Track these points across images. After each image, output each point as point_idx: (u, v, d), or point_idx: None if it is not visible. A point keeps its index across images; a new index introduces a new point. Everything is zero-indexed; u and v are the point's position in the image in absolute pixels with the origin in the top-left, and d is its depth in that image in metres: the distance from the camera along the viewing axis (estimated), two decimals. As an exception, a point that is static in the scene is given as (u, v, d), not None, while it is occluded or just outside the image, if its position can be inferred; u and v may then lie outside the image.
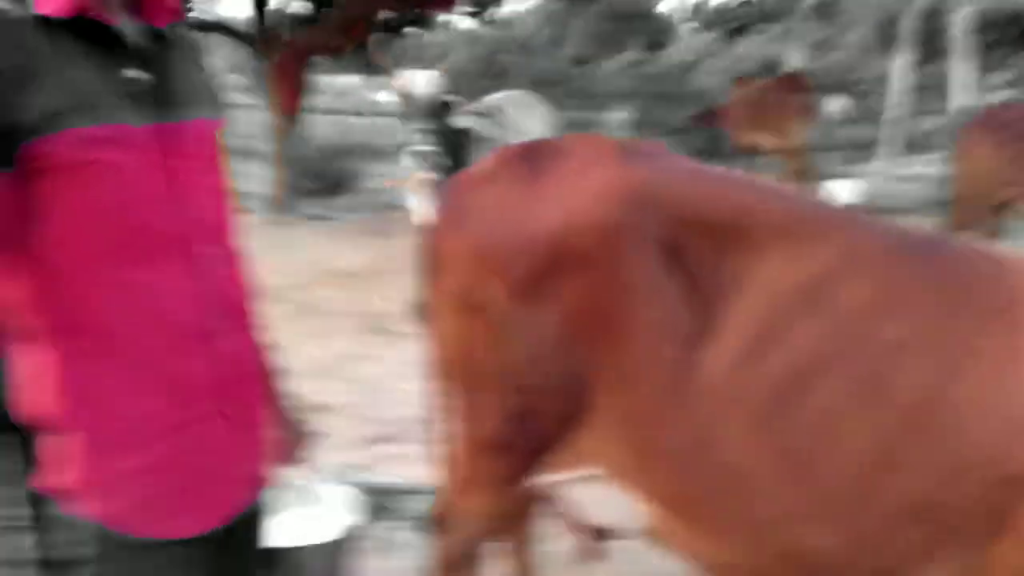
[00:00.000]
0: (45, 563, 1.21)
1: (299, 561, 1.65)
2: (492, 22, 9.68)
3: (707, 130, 9.73)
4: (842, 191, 4.92)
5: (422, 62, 10.26)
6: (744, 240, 1.58)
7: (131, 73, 1.09)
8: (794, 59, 11.16)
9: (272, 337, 1.44)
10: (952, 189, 5.56)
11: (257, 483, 1.36)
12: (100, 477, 1.16)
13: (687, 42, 23.22)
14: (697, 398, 1.56)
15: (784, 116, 8.08)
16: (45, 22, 1.02)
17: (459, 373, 1.88)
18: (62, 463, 1.16)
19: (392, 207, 9.20)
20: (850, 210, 1.85)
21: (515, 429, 1.79)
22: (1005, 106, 6.21)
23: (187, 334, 1.18)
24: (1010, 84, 16.15)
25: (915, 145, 11.32)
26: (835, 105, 11.33)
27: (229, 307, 1.25)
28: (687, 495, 1.64)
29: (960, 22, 13.45)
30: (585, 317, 1.66)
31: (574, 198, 1.66)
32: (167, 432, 1.19)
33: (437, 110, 4.34)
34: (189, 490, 1.23)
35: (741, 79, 10.18)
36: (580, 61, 20.69)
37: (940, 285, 1.52)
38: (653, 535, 1.85)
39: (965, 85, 13.67)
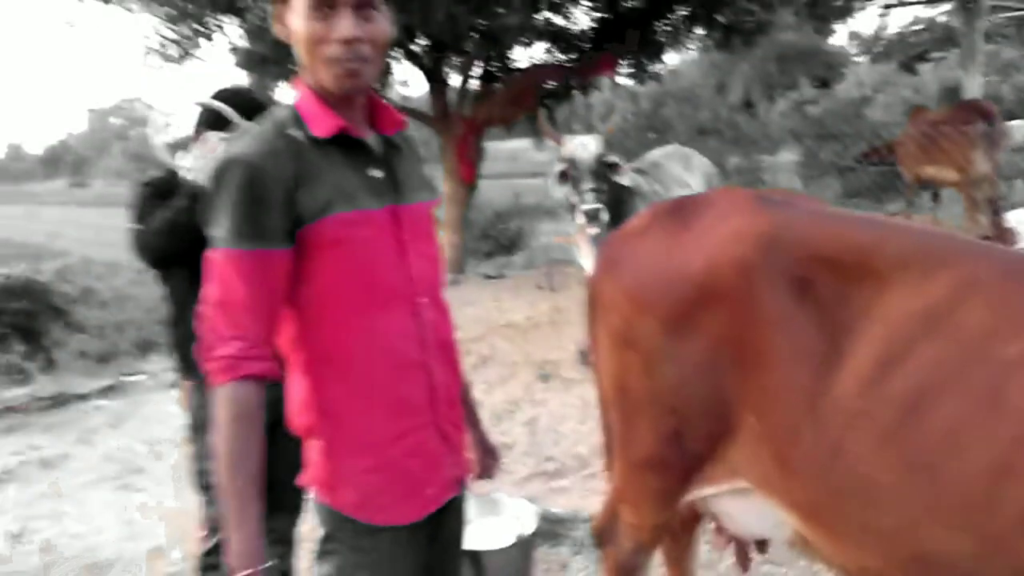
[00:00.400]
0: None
1: (488, 561, 1.98)
2: (655, 77, 9.99)
3: (878, 166, 9.45)
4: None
5: (587, 123, 10.77)
6: (867, 273, 1.78)
7: (373, 172, 1.52)
8: (975, 84, 10.59)
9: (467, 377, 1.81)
10: None
11: (459, 486, 1.72)
12: (336, 474, 1.56)
13: (860, 76, 22.41)
14: (830, 416, 1.76)
15: (962, 146, 7.75)
16: (316, 140, 1.47)
17: (619, 401, 2.18)
18: (312, 463, 1.58)
19: (559, 262, 9.67)
20: (969, 239, 1.97)
21: (669, 447, 2.06)
22: None
23: (409, 364, 1.57)
24: None
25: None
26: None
27: (440, 345, 1.63)
28: (823, 504, 1.83)
29: None
30: (727, 345, 1.91)
31: (714, 242, 1.93)
32: (390, 440, 1.58)
33: (602, 170, 4.70)
34: (405, 487, 1.60)
35: (916, 110, 9.83)
36: (746, 106, 20.52)
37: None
38: (796, 543, 2.03)
39: None
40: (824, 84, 23.01)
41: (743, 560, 2.31)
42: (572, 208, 4.93)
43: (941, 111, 9.15)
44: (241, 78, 9.68)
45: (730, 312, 1.90)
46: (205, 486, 2.64)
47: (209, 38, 8.91)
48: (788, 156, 13.76)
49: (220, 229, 1.41)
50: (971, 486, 1.62)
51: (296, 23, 1.45)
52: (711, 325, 1.93)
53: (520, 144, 15.47)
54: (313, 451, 1.58)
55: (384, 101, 1.62)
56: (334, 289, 1.48)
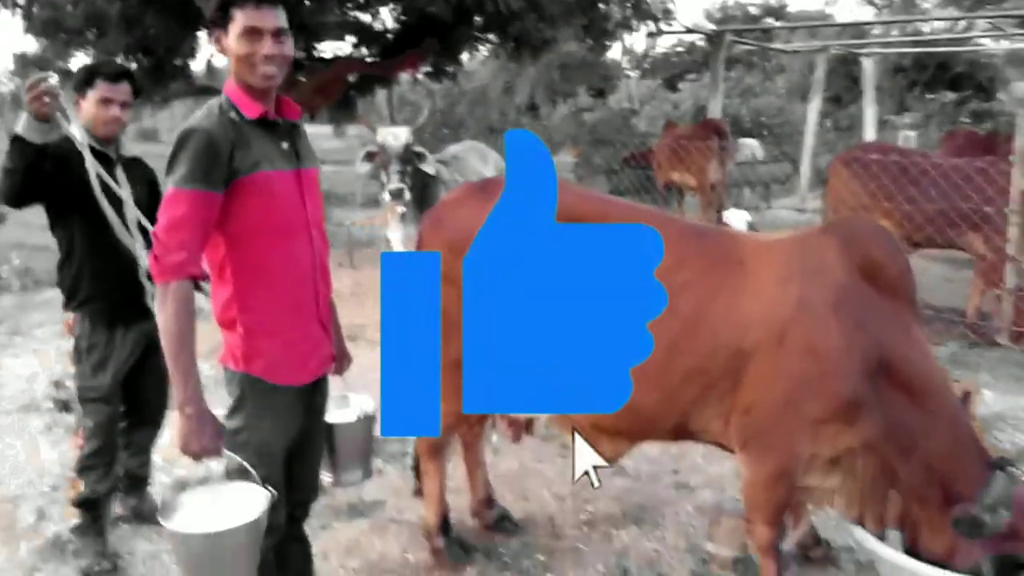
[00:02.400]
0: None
1: (338, 432, 2.73)
2: (451, 76, 10.93)
3: (637, 170, 11.08)
4: (733, 220, 6.19)
5: (388, 115, 11.48)
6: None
7: (284, 144, 2.26)
8: (716, 106, 12.66)
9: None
10: (824, 216, 6.91)
11: (330, 365, 2.49)
12: (251, 350, 2.25)
13: (630, 89, 24.93)
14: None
15: (700, 158, 9.46)
16: (246, 120, 2.19)
17: (441, 323, 3.03)
18: (231, 345, 2.26)
19: (359, 243, 10.35)
20: (662, 211, 3.10)
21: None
22: (864, 146, 7.59)
23: (304, 277, 2.31)
24: (914, 126, 17.99)
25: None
26: (753, 147, 12.83)
27: (322, 265, 2.38)
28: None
29: (869, 68, 15.21)
30: (513, 278, 2.84)
31: (505, 209, 2.86)
32: (290, 328, 2.31)
33: (409, 157, 5.50)
34: (299, 359, 2.34)
35: (668, 124, 11.62)
36: (530, 108, 22.17)
37: (707, 251, 2.74)
38: (552, 417, 3.01)
39: (874, 125, 15.40)
40: (600, 94, 25.33)
41: (516, 434, 3.26)
42: (381, 187, 5.68)
43: (687, 127, 10.94)
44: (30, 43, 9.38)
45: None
46: (85, 400, 3.16)
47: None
48: (566, 158, 15.37)
49: (178, 174, 2.08)
50: (659, 359, 2.66)
51: (233, 44, 2.16)
52: (503, 265, 2.85)
53: (320, 130, 15.83)
54: (234, 336, 2.27)
55: (285, 97, 2.36)
56: (258, 223, 2.19)
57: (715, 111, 12.72)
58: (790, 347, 2.56)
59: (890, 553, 2.65)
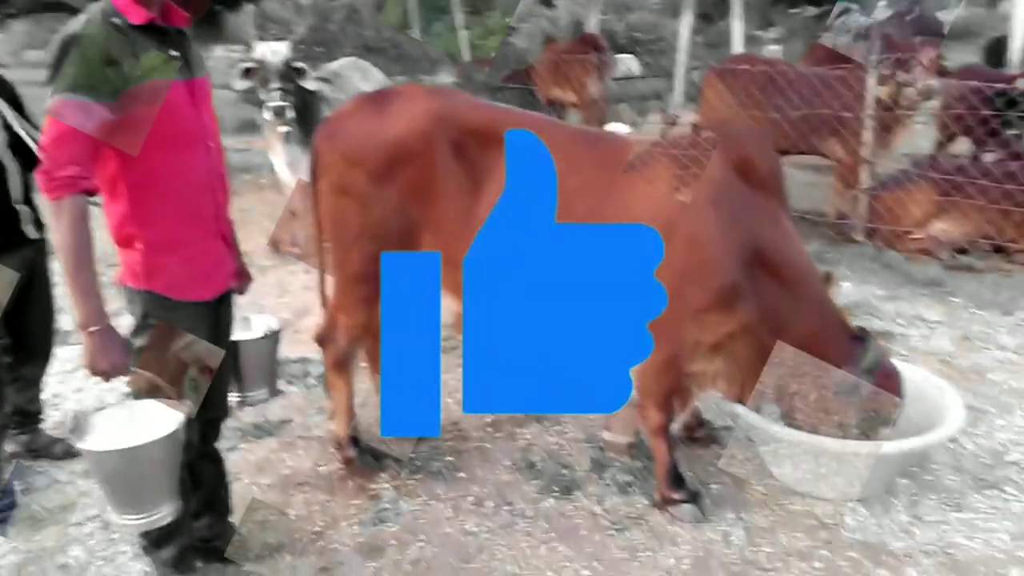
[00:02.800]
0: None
1: (244, 347, 2.73)
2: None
3: (520, 87, 11.07)
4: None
5: (263, 32, 10.89)
6: (495, 139, 2.85)
7: (173, 52, 2.18)
8: (593, 22, 12.72)
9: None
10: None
11: (234, 278, 2.47)
12: (153, 267, 2.21)
13: (507, 6, 24.56)
14: (476, 228, 2.82)
15: (579, 73, 9.55)
16: (132, 26, 2.09)
17: (337, 234, 3.05)
18: (130, 262, 2.21)
19: (238, 169, 9.97)
20: (555, 120, 3.19)
21: (374, 264, 2.98)
22: (735, 58, 7.90)
23: (203, 188, 2.27)
24: (779, 40, 18.71)
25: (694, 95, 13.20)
26: (629, 63, 13.02)
27: (219, 176, 2.34)
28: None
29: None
30: (414, 189, 2.88)
31: (404, 119, 2.87)
32: (191, 242, 2.27)
33: (289, 74, 5.32)
34: (202, 274, 2.31)
35: (548, 41, 11.61)
36: (402, 28, 21.52)
37: (598, 155, 2.87)
38: (456, 325, 3.11)
39: (742, 41, 15.90)
40: (476, 12, 24.80)
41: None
42: (261, 106, 5.48)
43: (566, 43, 10.97)
44: None
45: (416, 167, 2.86)
46: None
47: None
48: (446, 77, 15.13)
49: (63, 84, 1.98)
50: (553, 260, 2.79)
51: None
52: (403, 176, 2.88)
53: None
54: (133, 254, 2.22)
55: (171, 3, 2.26)
56: (152, 134, 2.12)
57: (592, 26, 12.80)
58: (675, 241, 2.74)
59: (763, 422, 2.95)
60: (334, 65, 6.57)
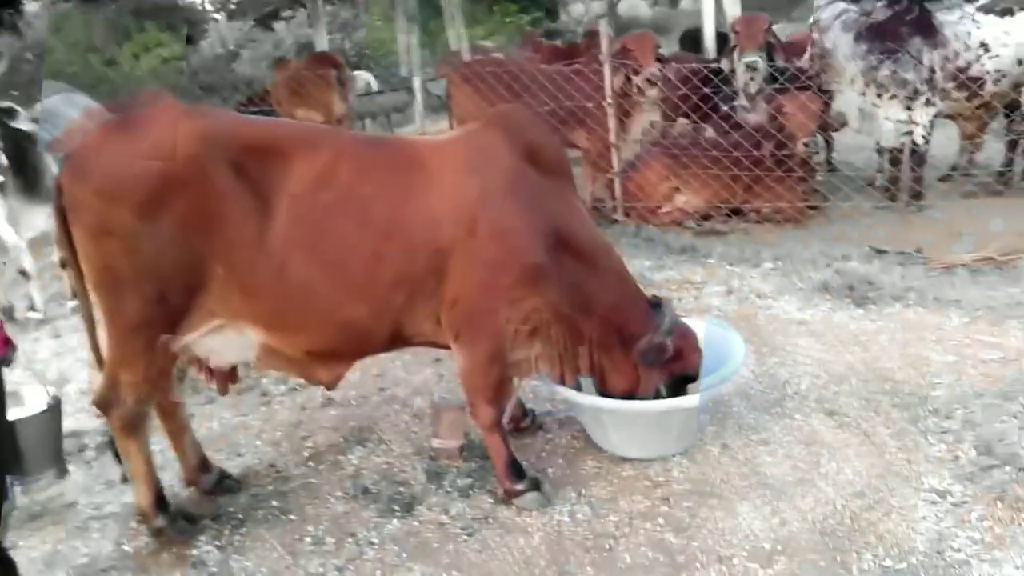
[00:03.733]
0: None
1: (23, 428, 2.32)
2: (13, 29, 9.26)
3: (260, 111, 10.60)
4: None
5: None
6: (276, 153, 2.66)
7: None
8: (322, 40, 12.49)
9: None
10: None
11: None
12: None
13: (221, 32, 23.39)
14: (273, 248, 2.62)
15: (322, 90, 9.32)
16: None
17: (105, 282, 2.68)
18: None
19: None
20: (337, 128, 3.06)
21: (156, 308, 2.67)
22: (477, 61, 8.15)
23: None
24: (499, 46, 19.66)
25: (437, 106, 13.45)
26: (367, 78, 12.97)
27: None
28: (278, 311, 2.71)
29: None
30: (192, 218, 2.60)
31: (167, 143, 2.58)
32: None
33: (-1, 116, 4.65)
34: None
35: (279, 62, 11.20)
36: (110, 61, 19.73)
37: (387, 159, 2.79)
38: (261, 358, 2.89)
39: (468, 47, 16.48)
40: (190, 40, 23.38)
41: (223, 387, 3.06)
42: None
43: (301, 62, 10.65)
44: None
45: (190, 193, 2.59)
46: None
47: None
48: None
49: None
50: (363, 272, 2.68)
51: None
52: (177, 205, 2.60)
53: None
54: None
55: None
56: None
57: (322, 45, 12.56)
58: (480, 235, 2.73)
59: (586, 398, 3.06)
60: (43, 104, 5.85)
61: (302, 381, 3.61)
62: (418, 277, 2.75)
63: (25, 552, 2.89)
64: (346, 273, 2.69)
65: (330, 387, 3.02)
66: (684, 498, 2.92)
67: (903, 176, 6.24)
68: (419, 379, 4.04)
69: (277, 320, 2.74)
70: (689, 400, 3.03)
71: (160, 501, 2.91)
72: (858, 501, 2.80)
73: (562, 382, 3.06)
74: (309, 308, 2.71)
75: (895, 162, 6.25)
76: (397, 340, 2.90)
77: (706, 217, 6.29)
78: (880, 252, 5.15)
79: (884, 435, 3.18)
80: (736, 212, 6.20)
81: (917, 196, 6.08)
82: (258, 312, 2.73)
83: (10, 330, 5.54)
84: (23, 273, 5.43)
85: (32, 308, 5.40)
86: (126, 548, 2.89)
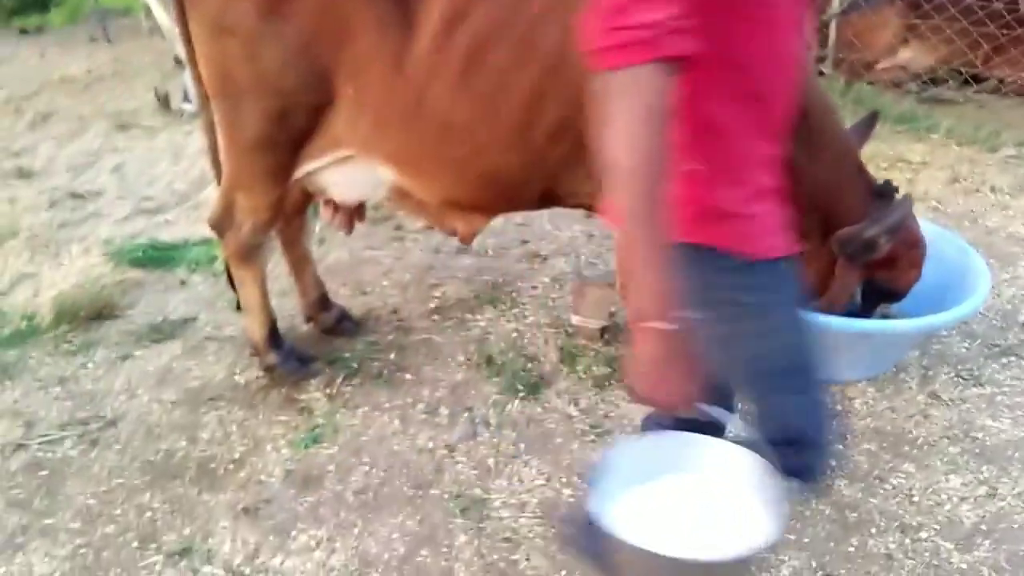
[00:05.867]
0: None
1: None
2: None
3: None
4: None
5: None
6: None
7: None
8: None
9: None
10: None
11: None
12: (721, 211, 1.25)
13: None
14: (412, 72, 2.14)
15: None
16: None
17: (223, 89, 2.32)
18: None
19: (112, 12, 8.67)
20: None
21: (277, 126, 2.29)
22: None
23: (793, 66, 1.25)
24: None
25: None
26: None
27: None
28: (413, 149, 2.27)
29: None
30: (322, 24, 2.15)
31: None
32: (764, 166, 1.31)
33: None
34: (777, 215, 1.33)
35: None
36: None
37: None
38: (392, 197, 2.49)
39: None
40: None
41: (348, 224, 2.73)
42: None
43: None
44: None
45: (321, -6, 2.12)
46: None
47: None
48: None
49: None
50: (518, 113, 2.16)
51: None
52: (305, 5, 2.14)
53: None
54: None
55: None
56: None
57: None
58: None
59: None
60: None
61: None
62: (583, 131, 2.20)
63: (141, 364, 2.80)
64: (497, 113, 2.18)
65: (465, 240, 2.60)
66: (867, 439, 2.39)
67: None
68: (566, 236, 3.58)
69: (412, 160, 2.31)
70: (893, 327, 2.42)
71: (273, 336, 2.70)
72: (1100, 487, 2.19)
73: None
74: (449, 151, 2.24)
75: None
76: (548, 199, 2.41)
77: (934, 81, 5.20)
78: None
79: None
80: (974, 79, 5.08)
81: None
82: (390, 149, 2.30)
83: (161, 120, 5.52)
84: (178, 61, 5.26)
85: (186, 99, 5.26)
86: (238, 378, 2.73)
